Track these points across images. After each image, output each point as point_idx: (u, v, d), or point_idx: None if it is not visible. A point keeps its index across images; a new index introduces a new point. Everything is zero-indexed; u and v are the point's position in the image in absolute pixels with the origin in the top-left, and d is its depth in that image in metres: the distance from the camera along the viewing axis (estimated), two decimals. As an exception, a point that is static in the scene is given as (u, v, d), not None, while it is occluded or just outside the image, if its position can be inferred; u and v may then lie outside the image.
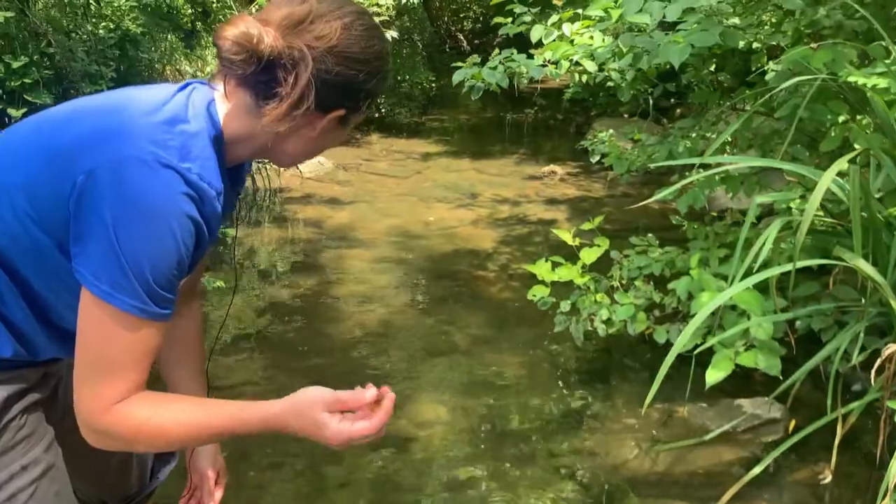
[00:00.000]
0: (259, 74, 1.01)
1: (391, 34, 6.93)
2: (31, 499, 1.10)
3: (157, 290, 0.97)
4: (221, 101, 1.08)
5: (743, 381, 2.69)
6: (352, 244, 4.53)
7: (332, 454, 2.34)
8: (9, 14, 2.32)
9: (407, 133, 8.20)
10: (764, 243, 1.90)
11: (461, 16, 15.29)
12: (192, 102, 1.05)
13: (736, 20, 2.80)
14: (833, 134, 2.64)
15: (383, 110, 8.46)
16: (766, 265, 2.16)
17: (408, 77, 8.34)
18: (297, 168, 6.36)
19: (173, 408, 1.04)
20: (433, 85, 8.96)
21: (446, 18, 14.78)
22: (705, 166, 3.23)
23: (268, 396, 1.07)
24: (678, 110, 7.44)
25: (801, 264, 1.86)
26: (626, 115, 7.46)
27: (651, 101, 6.49)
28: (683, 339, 2.03)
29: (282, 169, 5.56)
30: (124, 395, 0.99)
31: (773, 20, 2.97)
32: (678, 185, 2.28)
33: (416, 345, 3.22)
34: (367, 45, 1.07)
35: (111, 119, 1.01)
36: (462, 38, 15.37)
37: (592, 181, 6.01)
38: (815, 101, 2.45)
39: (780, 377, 2.32)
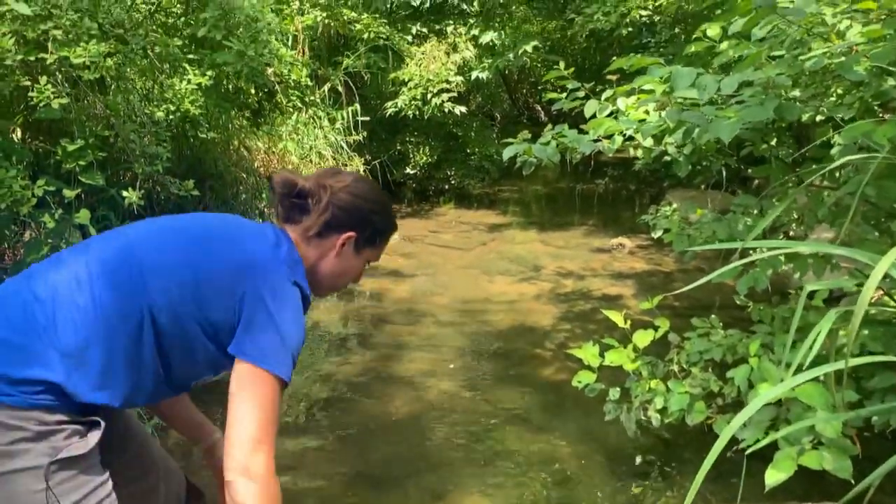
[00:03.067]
0: (295, 199, 1.51)
1: (460, 109, 7.02)
2: (109, 499, 1.36)
3: (291, 364, 1.37)
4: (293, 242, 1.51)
5: (808, 479, 2.44)
6: (411, 319, 4.48)
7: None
8: (63, 101, 2.43)
9: (477, 204, 8.22)
10: (817, 336, 1.72)
11: (539, 87, 15.48)
12: (287, 242, 1.48)
13: (797, 92, 2.66)
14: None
15: (453, 182, 8.52)
16: (835, 352, 1.97)
17: (477, 150, 8.40)
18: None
19: None
20: (501, 157, 8.99)
21: (525, 91, 14.97)
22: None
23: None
24: (756, 181, 7.18)
25: (854, 363, 1.67)
26: (701, 187, 7.26)
27: (724, 172, 6.29)
28: (728, 433, 1.83)
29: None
30: (265, 452, 1.31)
31: (839, 91, 2.81)
32: (734, 265, 2.11)
33: (460, 427, 3.10)
34: (371, 190, 1.59)
35: (253, 247, 1.43)
36: (539, 108, 15.52)
37: (663, 255, 5.80)
38: (884, 177, 2.27)
39: (852, 481, 2.08)
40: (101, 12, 2.69)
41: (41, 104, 2.37)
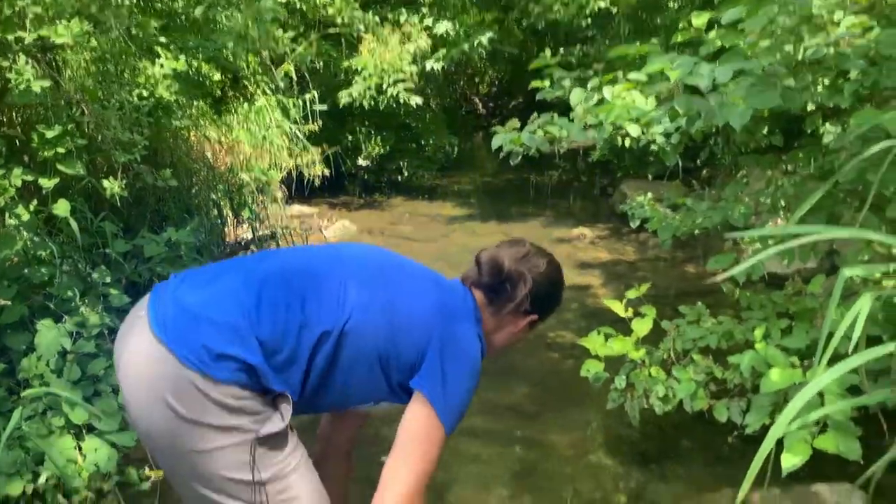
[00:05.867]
0: (499, 285, 1.62)
1: (416, 100, 6.93)
2: (300, 466, 1.47)
3: (460, 420, 1.49)
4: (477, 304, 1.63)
5: (809, 463, 2.49)
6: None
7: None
8: (45, 83, 2.25)
9: (429, 196, 8.15)
10: (856, 320, 1.73)
11: (476, 80, 15.49)
12: (473, 301, 1.62)
13: (791, 81, 2.70)
14: (901, 199, 2.50)
15: (406, 173, 8.43)
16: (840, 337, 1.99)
17: (431, 140, 8.33)
18: (322, 231, 6.28)
19: None
20: (454, 147, 8.95)
21: (462, 83, 14.97)
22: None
23: None
24: (704, 172, 7.35)
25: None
26: (650, 178, 7.38)
27: (680, 163, 6.41)
28: (778, 430, 1.82)
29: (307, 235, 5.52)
30: (421, 497, 1.42)
31: (827, 81, 2.87)
32: (781, 248, 2.12)
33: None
34: (560, 275, 1.73)
35: (450, 296, 1.58)
36: (478, 101, 15.56)
37: (624, 244, 5.87)
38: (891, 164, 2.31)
39: (861, 461, 2.12)
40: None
41: (19, 86, 2.19)
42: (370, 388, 1.51)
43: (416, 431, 1.43)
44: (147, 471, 2.59)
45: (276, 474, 1.42)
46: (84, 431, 2.53)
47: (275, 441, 1.42)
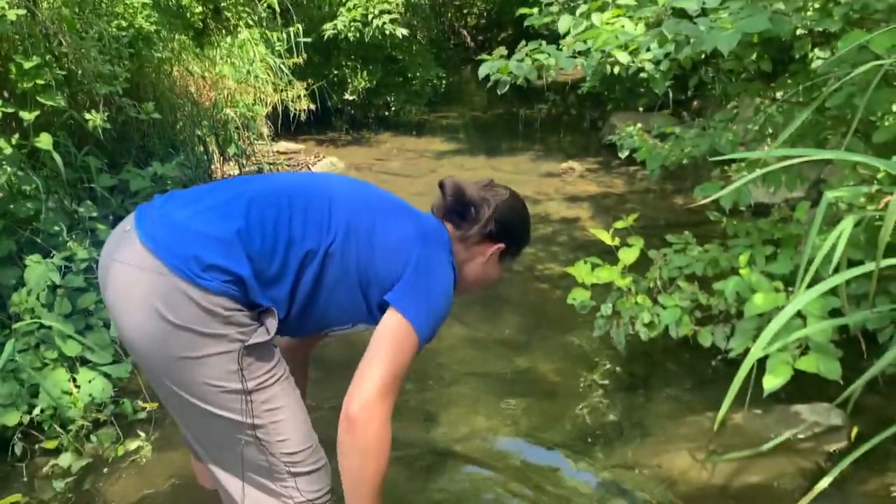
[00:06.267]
0: (461, 207, 1.69)
1: (401, 31, 6.80)
2: (283, 379, 1.53)
3: (433, 333, 1.53)
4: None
5: (790, 385, 2.55)
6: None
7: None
8: (20, 12, 2.19)
9: (417, 131, 8.08)
10: (837, 241, 1.75)
11: (465, 12, 15.16)
12: (447, 234, 1.68)
13: (780, 5, 2.66)
14: (887, 124, 2.50)
15: (393, 108, 8.33)
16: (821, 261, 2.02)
17: (418, 74, 8.20)
18: (309, 167, 6.23)
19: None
20: (443, 81, 8.82)
21: (450, 15, 14.65)
22: (750, 162, 3.09)
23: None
24: (694, 103, 7.29)
25: (886, 263, 1.72)
26: (641, 110, 7.33)
27: (671, 94, 6.36)
28: (759, 349, 1.86)
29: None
30: (391, 397, 1.45)
31: (817, 5, 2.83)
32: (765, 170, 2.11)
33: (444, 352, 3.09)
34: (524, 208, 1.82)
35: (427, 224, 1.64)
36: (466, 34, 15.25)
37: (613, 177, 5.87)
38: (876, 89, 2.30)
39: (841, 382, 2.18)
40: None
41: (-8, 15, 2.12)
42: (351, 309, 1.55)
43: (389, 335, 1.48)
44: (141, 402, 2.63)
45: (261, 384, 1.47)
46: (77, 364, 2.56)
47: (261, 352, 1.46)
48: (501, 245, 1.76)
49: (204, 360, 1.40)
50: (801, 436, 2.30)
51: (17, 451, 2.32)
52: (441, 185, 1.73)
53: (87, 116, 2.57)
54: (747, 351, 2.33)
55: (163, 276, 1.38)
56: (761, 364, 2.25)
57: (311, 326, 1.60)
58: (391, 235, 1.55)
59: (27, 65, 2.31)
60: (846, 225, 1.83)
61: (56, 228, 2.72)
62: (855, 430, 2.32)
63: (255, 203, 1.48)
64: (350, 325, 1.65)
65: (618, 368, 2.92)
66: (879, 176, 2.26)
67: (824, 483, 2.02)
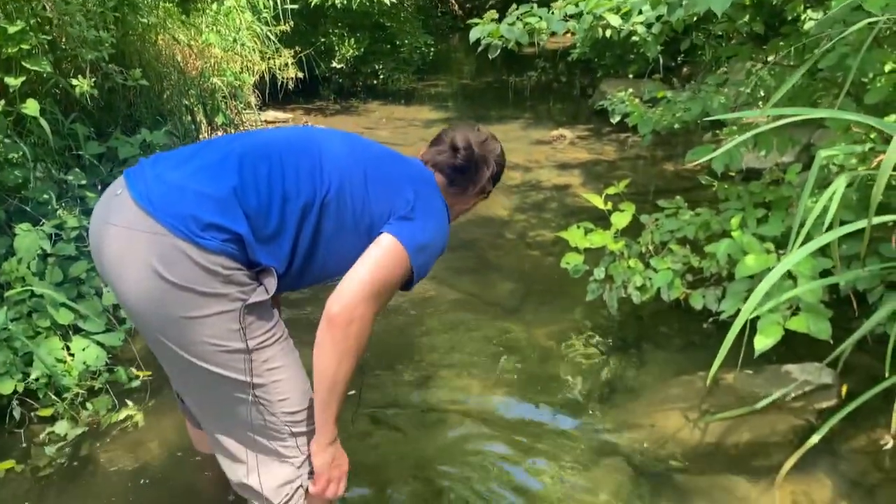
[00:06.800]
0: (466, 167, 1.74)
1: (389, -2, 6.71)
2: (283, 339, 1.54)
3: (425, 265, 1.55)
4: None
5: (781, 346, 2.58)
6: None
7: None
8: (2, -26, 2.14)
9: (405, 100, 8.02)
10: (830, 201, 1.76)
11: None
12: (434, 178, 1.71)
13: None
14: (879, 84, 2.50)
15: (381, 76, 8.25)
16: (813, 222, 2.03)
17: (407, 41, 8.12)
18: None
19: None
20: (431, 49, 8.74)
21: (438, -18, 14.46)
22: (742, 125, 3.09)
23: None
24: (684, 69, 7.27)
25: (877, 220, 1.73)
26: (631, 77, 7.29)
27: (661, 60, 6.32)
28: (749, 308, 1.87)
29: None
30: (373, 304, 1.45)
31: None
32: (753, 133, 2.12)
33: (439, 318, 3.10)
34: (504, 156, 1.86)
35: (414, 172, 1.64)
36: (454, 1, 15.07)
37: (604, 144, 5.86)
38: (868, 49, 2.29)
39: (831, 341, 2.20)
40: None
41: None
42: (350, 258, 1.54)
43: (378, 251, 1.48)
44: (135, 371, 2.63)
45: (261, 343, 1.47)
46: (70, 333, 2.55)
47: (260, 311, 1.46)
48: (485, 196, 1.85)
49: (205, 319, 1.39)
50: (791, 395, 2.33)
51: (16, 415, 2.32)
52: (453, 145, 1.74)
53: (74, 82, 2.53)
54: (738, 313, 2.35)
55: (160, 235, 1.36)
56: (752, 325, 2.28)
57: (311, 279, 1.59)
58: (383, 179, 1.56)
59: (11, 29, 2.27)
60: (839, 184, 1.84)
61: (45, 197, 2.69)
62: (845, 388, 2.35)
63: (247, 159, 1.47)
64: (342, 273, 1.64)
65: (610, 332, 2.94)
66: (872, 135, 2.26)
67: (815, 439, 2.06)
